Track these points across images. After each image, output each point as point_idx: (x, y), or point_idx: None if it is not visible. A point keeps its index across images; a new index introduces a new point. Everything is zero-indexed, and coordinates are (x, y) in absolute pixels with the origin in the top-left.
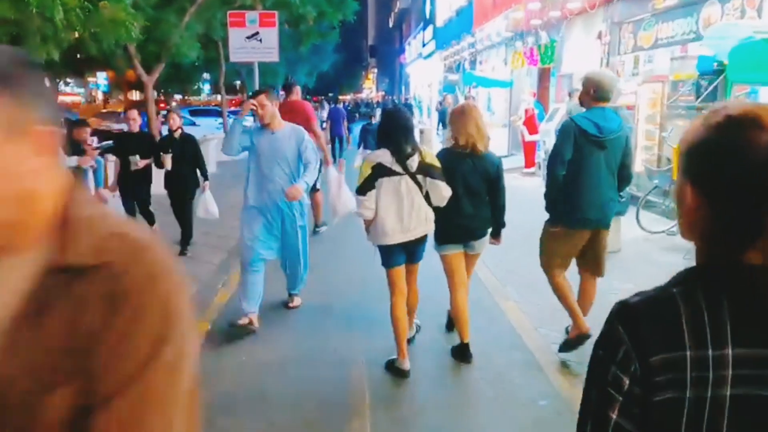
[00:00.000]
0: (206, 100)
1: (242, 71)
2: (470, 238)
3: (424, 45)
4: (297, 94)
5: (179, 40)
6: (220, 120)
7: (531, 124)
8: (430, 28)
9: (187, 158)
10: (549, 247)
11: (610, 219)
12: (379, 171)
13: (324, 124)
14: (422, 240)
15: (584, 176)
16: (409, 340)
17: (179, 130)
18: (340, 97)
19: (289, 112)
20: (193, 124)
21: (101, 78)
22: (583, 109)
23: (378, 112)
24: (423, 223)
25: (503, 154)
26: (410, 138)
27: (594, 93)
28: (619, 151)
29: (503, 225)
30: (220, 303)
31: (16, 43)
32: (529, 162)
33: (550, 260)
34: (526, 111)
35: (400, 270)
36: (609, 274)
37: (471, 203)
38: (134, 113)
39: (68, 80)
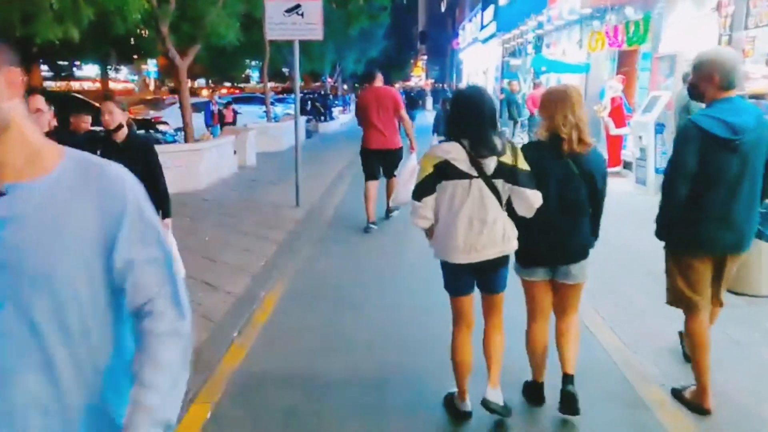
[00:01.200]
0: (259, 89)
1: (290, 57)
2: (564, 260)
3: (482, 27)
4: (380, 80)
5: (215, 19)
6: (264, 108)
7: (618, 116)
8: (490, 9)
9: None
10: (675, 280)
11: (748, 242)
12: (444, 171)
13: None
14: (500, 263)
15: (715, 190)
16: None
17: (123, 131)
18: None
19: (376, 99)
20: (236, 112)
21: (152, 65)
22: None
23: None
24: (499, 242)
25: None
26: (493, 129)
27: (719, 80)
28: (761, 153)
29: (596, 238)
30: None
31: (27, 22)
32: (614, 159)
33: (680, 296)
34: (613, 100)
35: (468, 300)
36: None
37: (567, 215)
38: (109, 105)
39: (118, 66)
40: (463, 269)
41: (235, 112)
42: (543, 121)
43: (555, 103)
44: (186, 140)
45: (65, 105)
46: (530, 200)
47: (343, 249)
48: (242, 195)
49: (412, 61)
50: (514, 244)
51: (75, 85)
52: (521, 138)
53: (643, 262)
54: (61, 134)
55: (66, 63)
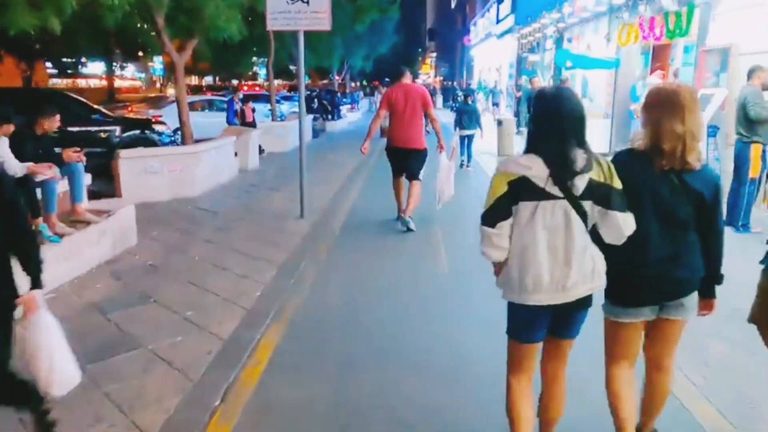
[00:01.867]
0: (266, 86)
1: (296, 52)
2: (668, 296)
3: (498, 21)
4: (408, 77)
5: (214, 11)
6: (268, 106)
7: None
8: (507, 2)
9: None
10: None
11: None
12: (523, 189)
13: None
14: (586, 303)
15: None
16: None
17: None
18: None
19: (404, 96)
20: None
21: (158, 62)
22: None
23: (439, 98)
24: (588, 278)
25: (603, 151)
26: (582, 141)
27: None
28: None
29: (721, 279)
30: None
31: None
32: None
33: None
34: None
35: (537, 347)
36: None
37: (671, 240)
38: None
39: (124, 64)
40: (542, 312)
41: (254, 110)
42: (644, 126)
43: (662, 106)
44: (183, 141)
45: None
46: (623, 226)
47: (353, 274)
48: (241, 203)
49: (420, 58)
50: (604, 279)
51: (81, 82)
52: None
53: (724, 300)
54: None
55: (71, 60)
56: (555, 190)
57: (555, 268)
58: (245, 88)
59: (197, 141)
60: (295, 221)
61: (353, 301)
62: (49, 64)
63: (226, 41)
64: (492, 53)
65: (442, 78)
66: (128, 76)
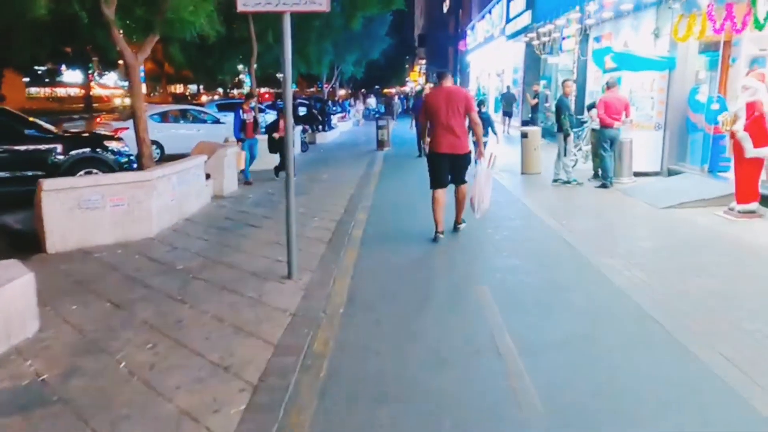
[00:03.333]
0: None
1: (282, 48)
2: None
3: (509, 20)
4: (450, 80)
5: (178, 1)
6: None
7: (759, 130)
8: None
9: None
10: None
11: None
12: None
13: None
14: None
15: None
16: None
17: None
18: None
19: (447, 99)
20: (217, 121)
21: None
22: None
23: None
24: None
25: (655, 169)
26: None
27: None
28: None
29: None
30: None
31: None
32: (749, 193)
33: None
34: (750, 107)
35: None
36: None
37: None
38: None
39: (103, 72)
40: None
41: (257, 121)
42: None
43: None
44: (140, 165)
45: None
46: None
47: (373, 412)
48: (208, 249)
49: (407, 66)
50: None
51: (61, 91)
52: (576, 157)
53: None
54: None
55: (46, 69)
56: None
57: None
58: (265, 95)
59: (168, 159)
60: (280, 286)
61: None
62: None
63: (202, 43)
64: (494, 57)
65: (432, 85)
66: (111, 84)
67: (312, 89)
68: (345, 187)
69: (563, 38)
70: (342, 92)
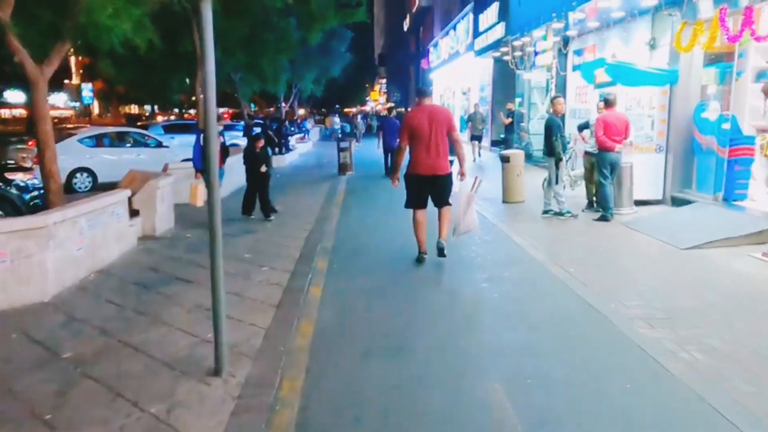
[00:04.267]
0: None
1: (236, 76)
2: None
3: (478, 35)
4: (431, 99)
5: (92, 1)
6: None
7: None
8: (493, 9)
9: None
10: None
11: None
12: None
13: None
14: None
15: None
16: None
17: None
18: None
19: (429, 118)
20: (160, 144)
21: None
22: None
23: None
24: None
25: (657, 197)
26: None
27: None
28: None
29: None
30: None
31: None
32: None
33: None
34: None
35: None
36: None
37: None
38: None
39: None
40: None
41: (225, 149)
42: None
43: None
44: (48, 201)
45: None
46: None
47: None
48: (115, 323)
49: (367, 85)
50: None
51: (5, 112)
52: (568, 183)
53: None
54: None
55: None
56: None
57: None
58: (224, 114)
59: (102, 189)
60: (201, 387)
61: None
62: None
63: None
64: (460, 74)
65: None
66: (61, 105)
67: (272, 108)
68: (302, 221)
69: (536, 53)
70: (301, 111)
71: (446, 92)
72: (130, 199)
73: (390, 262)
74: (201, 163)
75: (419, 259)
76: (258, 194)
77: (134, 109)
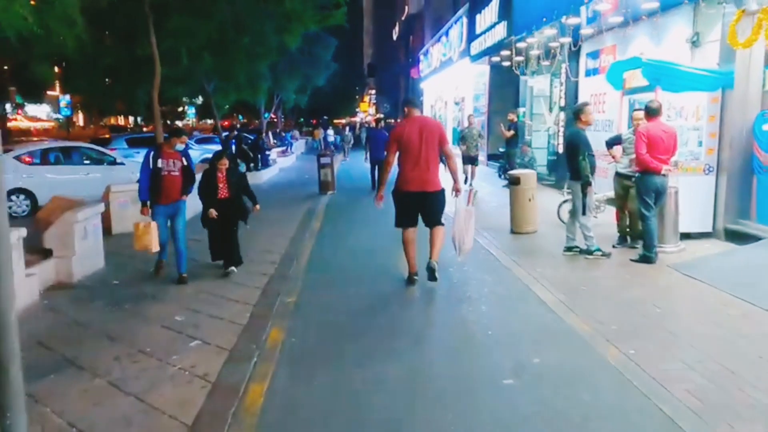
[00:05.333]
0: (197, 127)
1: (209, 85)
2: None
3: (474, 38)
4: (420, 110)
5: None
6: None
7: None
8: (492, 8)
9: None
10: None
11: None
12: None
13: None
14: None
15: None
16: None
17: None
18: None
19: (419, 131)
20: (114, 162)
21: (64, 100)
22: None
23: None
24: None
25: (705, 229)
26: None
27: None
28: None
29: None
30: None
31: None
32: None
33: None
34: None
35: None
36: None
37: None
38: None
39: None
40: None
41: (189, 173)
42: None
43: None
44: None
45: None
46: None
47: None
48: None
49: (357, 96)
50: None
51: None
52: (594, 210)
53: None
54: None
55: None
56: None
57: None
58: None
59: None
60: None
61: None
62: None
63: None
64: (452, 83)
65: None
66: (43, 116)
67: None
68: (264, 260)
69: (539, 57)
70: (284, 122)
71: (438, 103)
72: (42, 237)
73: (373, 338)
74: (147, 192)
75: (410, 281)
76: (222, 236)
77: (121, 120)
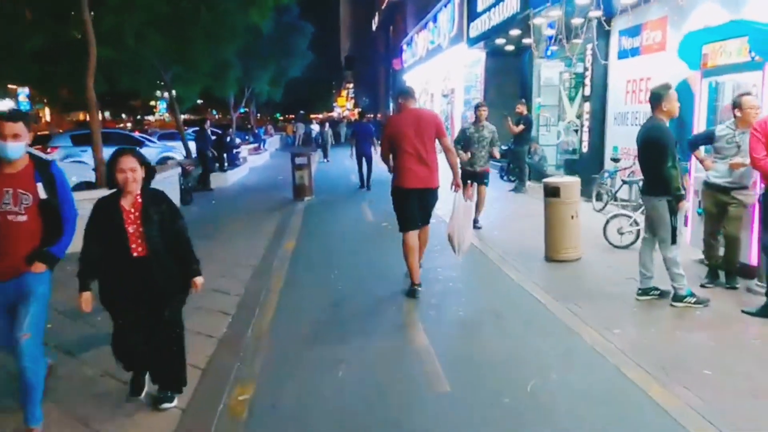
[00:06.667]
0: (166, 122)
1: (166, 73)
2: None
3: (476, 16)
4: (415, 101)
5: None
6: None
7: None
8: None
9: None
10: None
11: None
12: None
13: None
14: None
15: None
16: None
17: None
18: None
19: (415, 123)
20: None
21: (23, 93)
22: None
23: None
24: None
25: None
26: None
27: None
28: None
29: None
30: None
31: None
32: None
33: None
34: None
35: None
36: None
37: None
38: None
39: None
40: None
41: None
42: None
43: None
44: None
45: None
46: None
47: None
48: None
49: (334, 90)
50: None
51: None
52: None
53: None
54: None
55: None
56: None
57: None
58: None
59: None
60: None
61: None
62: None
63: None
64: (440, 74)
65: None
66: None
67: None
68: (211, 312)
69: (550, 39)
70: (259, 116)
71: (423, 95)
72: None
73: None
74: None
75: (411, 293)
76: (146, 335)
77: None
